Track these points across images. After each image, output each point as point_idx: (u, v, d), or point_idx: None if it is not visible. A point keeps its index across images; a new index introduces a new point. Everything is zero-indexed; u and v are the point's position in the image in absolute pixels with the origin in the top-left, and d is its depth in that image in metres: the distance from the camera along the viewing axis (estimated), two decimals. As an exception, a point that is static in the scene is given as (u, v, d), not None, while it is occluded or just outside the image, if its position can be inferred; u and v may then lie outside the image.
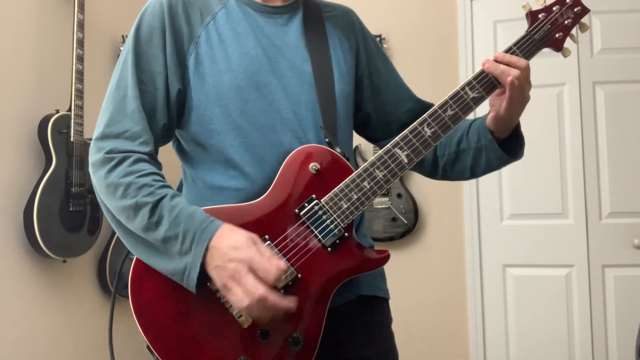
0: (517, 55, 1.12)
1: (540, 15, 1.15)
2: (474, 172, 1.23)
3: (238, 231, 0.99)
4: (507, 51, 1.12)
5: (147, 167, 1.05)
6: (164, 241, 1.00)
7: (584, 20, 1.17)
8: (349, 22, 1.29)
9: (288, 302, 0.97)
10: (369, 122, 1.31)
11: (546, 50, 1.17)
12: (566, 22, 1.15)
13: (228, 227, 1.00)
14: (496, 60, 1.11)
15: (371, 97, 1.28)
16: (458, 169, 1.25)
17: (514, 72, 1.08)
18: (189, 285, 1.00)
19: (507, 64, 1.10)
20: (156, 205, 1.01)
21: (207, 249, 0.98)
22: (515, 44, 1.13)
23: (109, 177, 1.03)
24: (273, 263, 0.95)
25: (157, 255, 1.02)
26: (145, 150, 1.07)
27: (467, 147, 1.21)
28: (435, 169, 1.28)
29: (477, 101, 1.11)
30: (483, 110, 1.25)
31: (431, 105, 1.19)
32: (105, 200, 1.06)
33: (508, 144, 1.18)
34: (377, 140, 1.33)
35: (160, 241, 1.00)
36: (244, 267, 0.95)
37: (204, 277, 1.00)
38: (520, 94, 1.09)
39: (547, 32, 1.15)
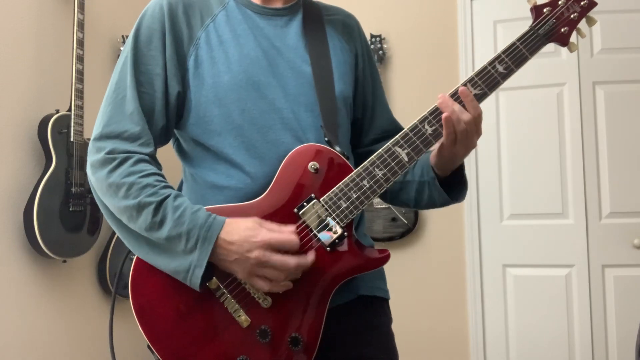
0: (477, 86, 1.07)
1: (545, 10, 1.11)
2: (418, 204, 1.23)
3: (241, 220, 1.01)
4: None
5: (149, 168, 1.06)
6: (167, 240, 1.01)
7: (591, 13, 1.12)
8: (350, 26, 1.29)
9: (311, 257, 1.02)
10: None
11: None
12: (572, 16, 1.11)
13: (231, 220, 1.01)
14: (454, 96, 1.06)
15: (360, 104, 1.29)
16: (402, 199, 1.25)
17: (465, 117, 1.04)
18: (192, 283, 1.00)
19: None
20: (160, 204, 1.01)
21: (215, 246, 0.99)
22: (519, 39, 1.09)
23: (111, 177, 1.03)
24: (285, 233, 1.01)
25: (160, 253, 1.02)
26: (146, 151, 1.07)
27: (412, 179, 1.20)
28: (384, 194, 1.23)
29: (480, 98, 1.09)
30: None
31: (402, 129, 1.14)
32: (106, 200, 1.06)
33: (450, 184, 1.17)
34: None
35: (164, 240, 1.01)
36: (265, 249, 0.98)
37: (206, 275, 1.00)
38: (466, 137, 1.06)
39: (552, 27, 1.10)
